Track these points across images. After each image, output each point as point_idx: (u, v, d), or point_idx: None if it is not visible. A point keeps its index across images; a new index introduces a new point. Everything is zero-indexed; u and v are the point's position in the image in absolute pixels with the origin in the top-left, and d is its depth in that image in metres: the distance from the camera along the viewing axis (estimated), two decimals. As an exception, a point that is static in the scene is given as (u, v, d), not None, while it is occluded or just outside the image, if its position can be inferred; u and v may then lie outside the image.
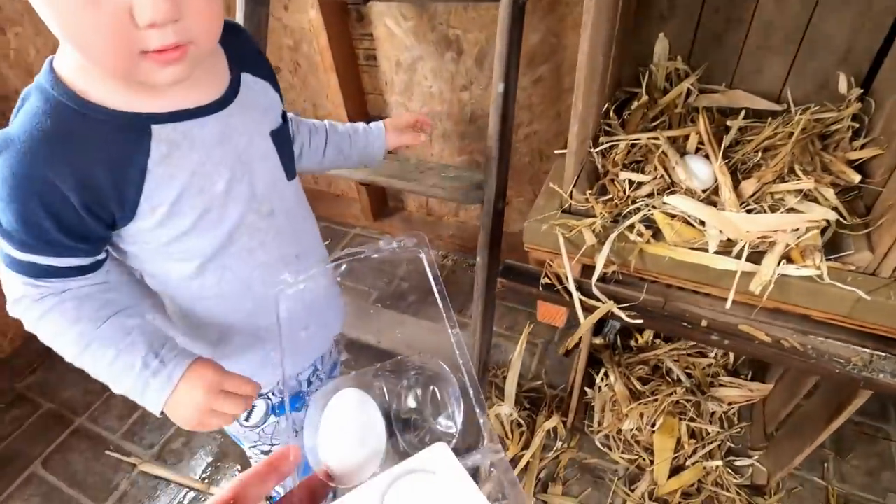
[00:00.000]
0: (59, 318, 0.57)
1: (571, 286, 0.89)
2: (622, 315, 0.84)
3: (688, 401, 1.38)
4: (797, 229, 0.82)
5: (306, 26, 1.76)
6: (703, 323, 0.83)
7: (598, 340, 1.52)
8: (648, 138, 1.01)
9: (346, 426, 0.41)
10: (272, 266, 0.71)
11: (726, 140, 0.99)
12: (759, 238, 0.81)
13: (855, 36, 0.98)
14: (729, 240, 0.84)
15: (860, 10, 0.95)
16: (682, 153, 0.99)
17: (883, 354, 0.75)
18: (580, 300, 0.88)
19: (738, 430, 1.38)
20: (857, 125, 0.97)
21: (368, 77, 1.85)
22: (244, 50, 0.67)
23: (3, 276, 0.58)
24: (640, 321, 0.83)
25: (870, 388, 0.76)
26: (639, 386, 1.41)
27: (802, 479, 1.31)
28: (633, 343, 1.53)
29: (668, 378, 1.44)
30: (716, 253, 0.83)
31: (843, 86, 1.00)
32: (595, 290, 0.87)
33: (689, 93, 1.12)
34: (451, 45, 1.61)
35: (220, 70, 0.62)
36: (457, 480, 0.35)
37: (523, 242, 0.98)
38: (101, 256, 0.61)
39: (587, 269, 0.95)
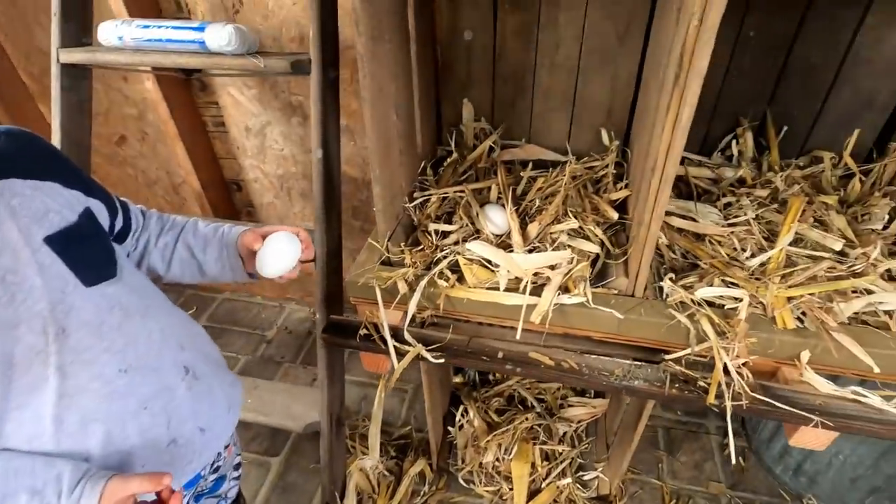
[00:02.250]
0: None
1: (386, 334, 0.94)
2: (428, 356, 0.91)
3: (539, 425, 1.48)
4: (571, 262, 0.96)
5: (147, 96, 1.74)
6: (500, 355, 0.92)
7: (458, 379, 1.59)
8: (455, 192, 1.13)
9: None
10: (84, 393, 0.61)
11: (519, 189, 1.14)
12: (536, 274, 0.93)
13: (613, 97, 1.19)
14: (518, 277, 0.96)
15: (612, 76, 1.16)
16: (485, 203, 1.11)
17: (639, 363, 0.89)
18: (395, 346, 0.94)
19: (586, 445, 1.49)
20: (622, 171, 1.17)
21: (220, 142, 1.86)
22: (18, 155, 0.61)
23: None
24: (441, 360, 0.91)
25: (629, 395, 0.88)
26: (496, 418, 1.49)
27: (642, 482, 1.45)
28: (490, 377, 1.62)
29: (522, 406, 1.53)
30: (506, 290, 0.94)
31: (605, 139, 1.20)
32: (406, 336, 0.94)
33: (493, 148, 1.27)
34: (296, 111, 1.68)
35: None
36: None
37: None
38: None
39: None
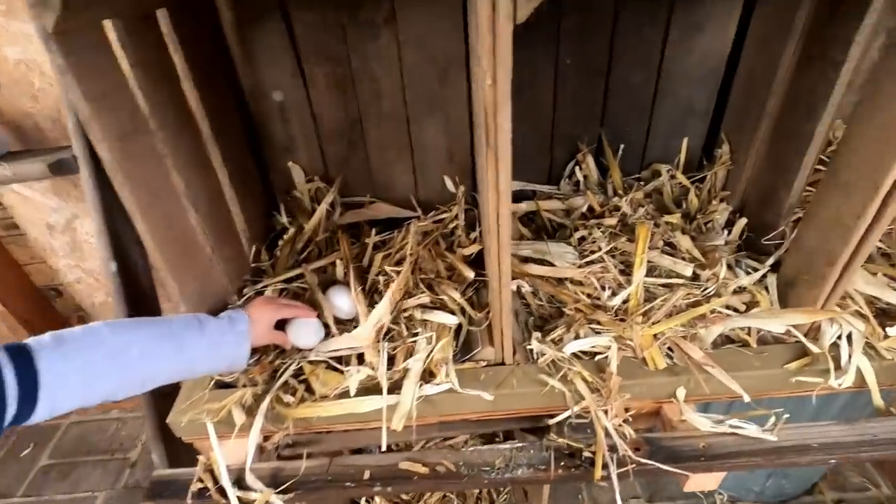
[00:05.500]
0: None
1: (226, 482, 0.76)
2: (279, 501, 0.75)
3: (451, 491, 1.36)
4: (430, 342, 0.84)
5: None
6: (366, 475, 0.78)
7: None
8: (294, 275, 0.98)
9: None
10: None
11: (366, 259, 1.01)
12: (395, 368, 0.81)
13: (451, 141, 1.11)
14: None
15: (444, 120, 1.08)
16: (331, 283, 0.96)
17: (519, 446, 0.79)
18: (238, 498, 0.76)
19: (505, 497, 1.40)
20: (474, 216, 1.09)
21: (18, 247, 1.53)
22: None
23: None
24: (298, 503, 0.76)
25: (514, 485, 0.79)
26: (406, 496, 1.35)
27: (567, 519, 1.39)
28: (394, 448, 1.47)
29: (431, 474, 1.41)
30: (361, 391, 0.80)
31: (450, 185, 1.12)
32: (249, 479, 0.77)
33: (332, 210, 1.12)
34: (107, 197, 1.42)
35: None
36: None
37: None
38: None
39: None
